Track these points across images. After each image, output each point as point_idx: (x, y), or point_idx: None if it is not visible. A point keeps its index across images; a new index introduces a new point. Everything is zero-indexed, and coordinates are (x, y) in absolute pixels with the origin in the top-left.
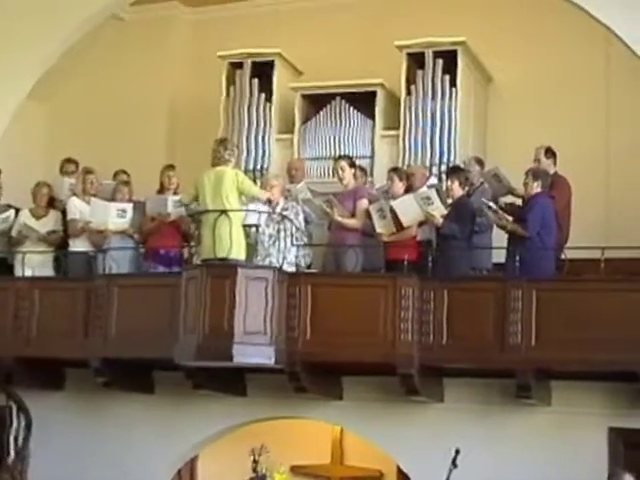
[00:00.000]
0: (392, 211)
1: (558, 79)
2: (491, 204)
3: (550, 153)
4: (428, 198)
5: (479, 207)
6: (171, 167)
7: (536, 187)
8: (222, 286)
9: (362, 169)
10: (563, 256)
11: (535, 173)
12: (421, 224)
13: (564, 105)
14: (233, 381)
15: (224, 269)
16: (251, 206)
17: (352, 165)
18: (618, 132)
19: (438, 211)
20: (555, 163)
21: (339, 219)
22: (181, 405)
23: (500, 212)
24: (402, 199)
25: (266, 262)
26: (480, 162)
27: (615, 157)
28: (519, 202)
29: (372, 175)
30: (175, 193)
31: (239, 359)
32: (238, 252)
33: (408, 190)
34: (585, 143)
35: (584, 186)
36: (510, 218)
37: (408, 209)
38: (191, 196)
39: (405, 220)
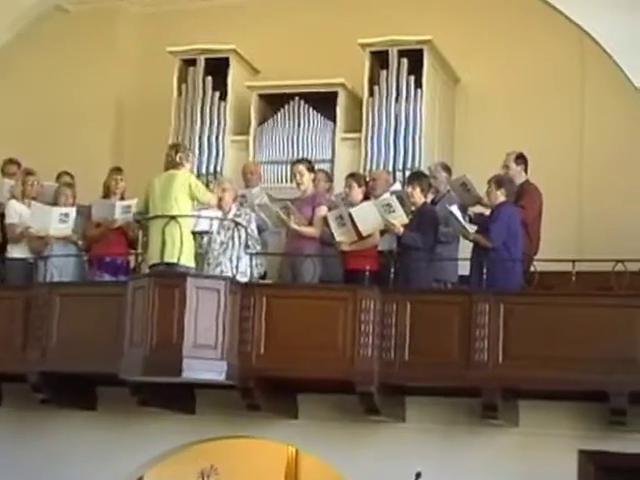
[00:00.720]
0: (352, 219)
1: (530, 80)
2: (454, 210)
3: (521, 159)
4: (389, 205)
5: (444, 215)
6: (118, 170)
7: (500, 195)
8: (171, 296)
9: (327, 174)
10: (533, 268)
11: (498, 181)
12: (382, 233)
13: (536, 108)
14: (181, 398)
15: (173, 278)
16: (202, 212)
17: (311, 169)
18: (593, 137)
19: (399, 219)
20: (526, 170)
21: (296, 227)
22: (126, 423)
23: (463, 221)
24: (361, 206)
25: (217, 271)
26: (447, 168)
27: (589, 164)
28: (488, 212)
29: (332, 180)
30: (122, 198)
31: (188, 374)
32: (187, 258)
33: (368, 196)
34: (558, 149)
35: (556, 195)
36: (471, 228)
37: (367, 217)
38: (143, 202)
39: (364, 228)
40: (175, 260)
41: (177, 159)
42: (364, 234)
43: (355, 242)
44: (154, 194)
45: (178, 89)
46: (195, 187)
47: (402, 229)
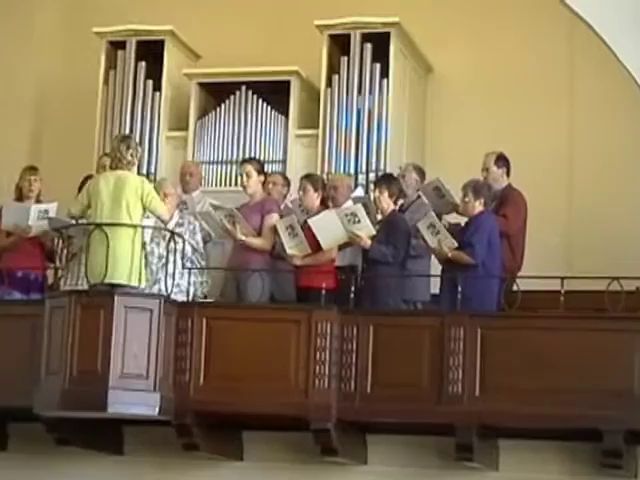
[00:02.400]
0: (308, 228)
1: (512, 69)
2: (435, 221)
3: (502, 161)
4: (354, 215)
5: (414, 225)
6: (33, 169)
7: (478, 206)
8: (95, 317)
9: (284, 177)
10: (515, 287)
11: (475, 189)
12: (344, 246)
13: (519, 101)
14: (107, 436)
15: (98, 297)
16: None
17: (260, 171)
18: (584, 134)
19: (365, 230)
20: (508, 173)
21: (243, 238)
22: (41, 465)
23: (443, 232)
24: (322, 215)
25: (155, 290)
26: (419, 171)
27: (580, 165)
28: (464, 222)
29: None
30: (37, 201)
31: (115, 408)
32: (134, 276)
33: (325, 202)
34: (544, 148)
35: (542, 202)
36: (452, 242)
37: (328, 228)
38: (81, 205)
39: (325, 242)
40: (122, 280)
41: (129, 157)
42: (325, 248)
43: (309, 255)
44: (100, 198)
45: (105, 76)
46: (148, 195)
47: (369, 242)
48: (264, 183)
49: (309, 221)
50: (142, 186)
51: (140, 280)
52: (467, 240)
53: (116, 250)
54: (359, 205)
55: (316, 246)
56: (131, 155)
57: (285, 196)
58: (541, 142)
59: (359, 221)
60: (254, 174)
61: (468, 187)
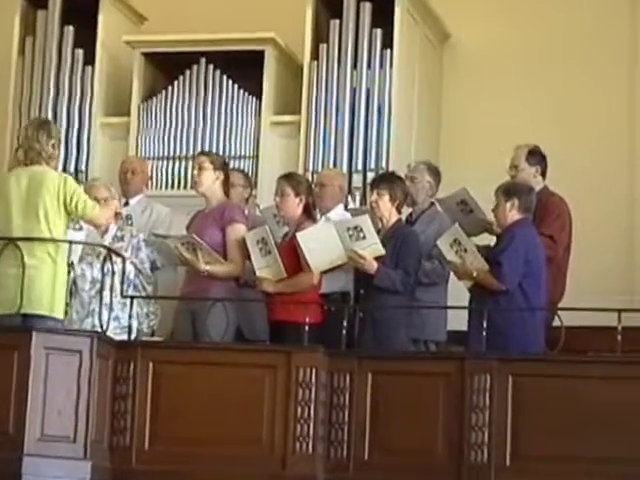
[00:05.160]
0: (285, 246)
1: (555, 38)
2: (462, 236)
3: (535, 157)
4: (358, 229)
5: (426, 243)
6: None
7: (511, 210)
8: (7, 361)
9: (244, 176)
10: (556, 322)
11: (508, 189)
12: (332, 268)
13: (564, 79)
14: None
15: (10, 334)
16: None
17: (221, 167)
18: None
19: (371, 249)
20: (544, 174)
21: (207, 268)
22: None
23: (472, 250)
24: (314, 228)
25: (87, 324)
26: (434, 171)
27: None
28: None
29: (256, 186)
30: None
31: None
32: (50, 307)
33: (308, 211)
34: (594, 140)
35: (593, 211)
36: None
37: (322, 245)
38: None
39: (315, 263)
40: (42, 311)
41: (50, 149)
42: (314, 270)
43: (283, 280)
44: (9, 203)
45: (21, 45)
46: (73, 195)
47: (376, 264)
48: (226, 184)
49: (297, 235)
50: (64, 183)
51: (67, 312)
52: (494, 258)
53: (32, 272)
54: (365, 216)
55: (293, 268)
56: (52, 146)
57: (247, 200)
58: (589, 132)
59: (364, 237)
60: (208, 168)
61: (499, 189)
